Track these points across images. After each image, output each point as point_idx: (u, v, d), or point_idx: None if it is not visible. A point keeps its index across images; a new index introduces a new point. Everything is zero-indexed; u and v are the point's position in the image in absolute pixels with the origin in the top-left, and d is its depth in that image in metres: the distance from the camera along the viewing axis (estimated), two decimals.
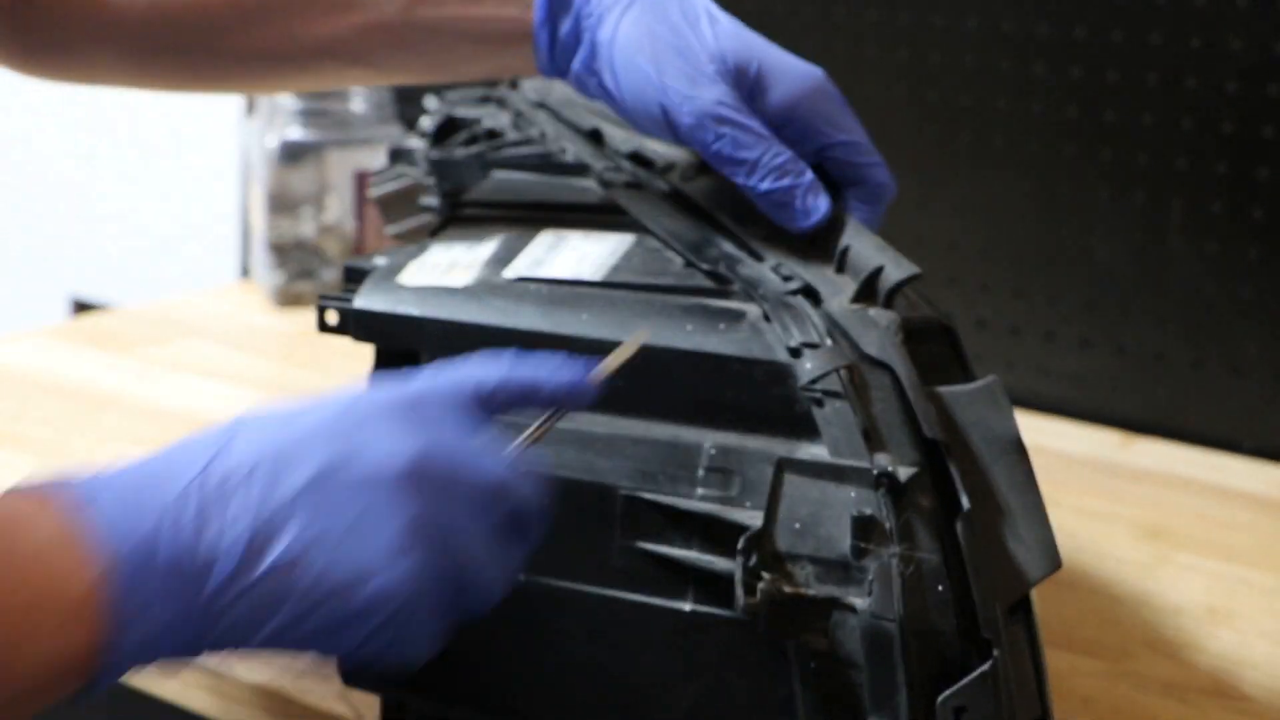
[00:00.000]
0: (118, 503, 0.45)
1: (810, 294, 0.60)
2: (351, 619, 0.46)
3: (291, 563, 0.45)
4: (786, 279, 0.61)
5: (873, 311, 0.59)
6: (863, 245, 0.62)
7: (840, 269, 0.62)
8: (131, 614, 0.44)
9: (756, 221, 0.65)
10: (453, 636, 0.50)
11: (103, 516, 0.44)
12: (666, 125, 0.65)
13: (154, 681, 0.78)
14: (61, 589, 0.43)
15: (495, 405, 0.52)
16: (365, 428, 0.48)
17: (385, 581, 0.46)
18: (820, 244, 0.64)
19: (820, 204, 0.63)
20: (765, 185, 0.63)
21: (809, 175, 0.64)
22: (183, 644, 0.45)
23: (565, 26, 0.68)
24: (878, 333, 0.58)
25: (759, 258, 0.63)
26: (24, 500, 0.45)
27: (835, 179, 0.66)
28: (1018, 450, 0.57)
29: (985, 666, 0.53)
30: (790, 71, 0.65)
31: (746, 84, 0.64)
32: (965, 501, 0.54)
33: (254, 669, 0.75)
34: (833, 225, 0.63)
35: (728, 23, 0.66)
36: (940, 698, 0.53)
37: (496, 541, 0.50)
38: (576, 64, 0.68)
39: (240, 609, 0.45)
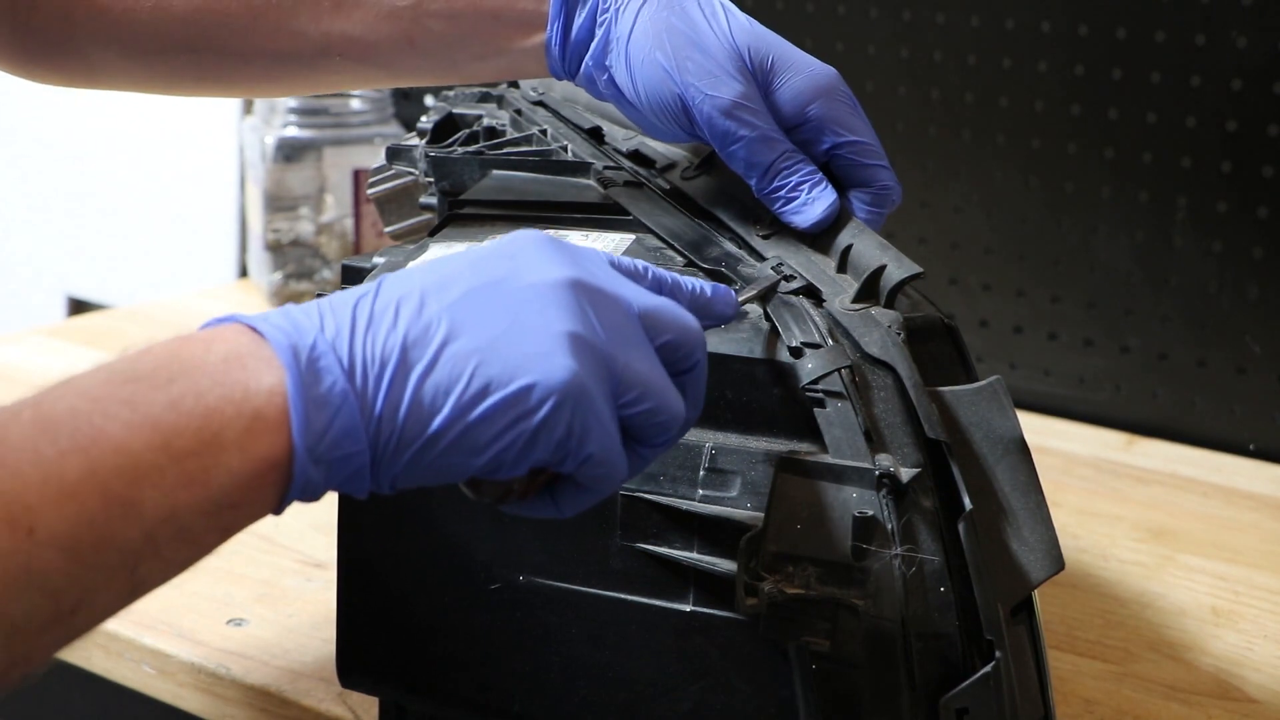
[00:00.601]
0: (286, 324, 0.46)
1: (811, 293, 0.60)
2: (510, 413, 0.47)
3: (454, 356, 0.46)
4: (788, 278, 0.61)
5: (874, 311, 0.59)
6: (865, 244, 0.61)
7: (842, 268, 0.62)
8: (307, 417, 0.45)
9: (758, 220, 0.65)
10: (636, 472, 0.51)
11: (274, 333, 0.46)
12: (684, 119, 0.65)
13: (152, 683, 0.78)
14: (247, 390, 0.44)
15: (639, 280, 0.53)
16: (521, 256, 0.49)
17: (540, 375, 0.47)
18: (822, 243, 0.63)
19: (826, 203, 0.63)
20: (774, 183, 0.64)
21: (817, 175, 0.64)
22: (359, 456, 0.46)
23: (580, 21, 0.67)
24: (879, 332, 0.57)
25: (760, 257, 0.63)
26: (214, 326, 0.47)
27: (842, 179, 0.66)
28: (1020, 451, 0.57)
29: (988, 668, 0.53)
30: (804, 69, 0.65)
31: (761, 80, 0.64)
32: (968, 502, 0.54)
33: (252, 670, 0.75)
34: (836, 224, 0.63)
35: (743, 18, 0.65)
36: (943, 699, 0.52)
37: (664, 365, 0.50)
38: (588, 60, 0.68)
39: (402, 412, 0.46)
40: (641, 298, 0.50)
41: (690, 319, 0.52)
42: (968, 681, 0.53)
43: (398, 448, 0.46)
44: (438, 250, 0.66)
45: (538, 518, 0.51)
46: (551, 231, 0.67)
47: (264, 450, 0.44)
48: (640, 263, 0.54)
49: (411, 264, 0.49)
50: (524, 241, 0.50)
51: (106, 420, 0.42)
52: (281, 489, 0.45)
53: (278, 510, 0.46)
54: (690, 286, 0.54)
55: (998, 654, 0.53)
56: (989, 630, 0.53)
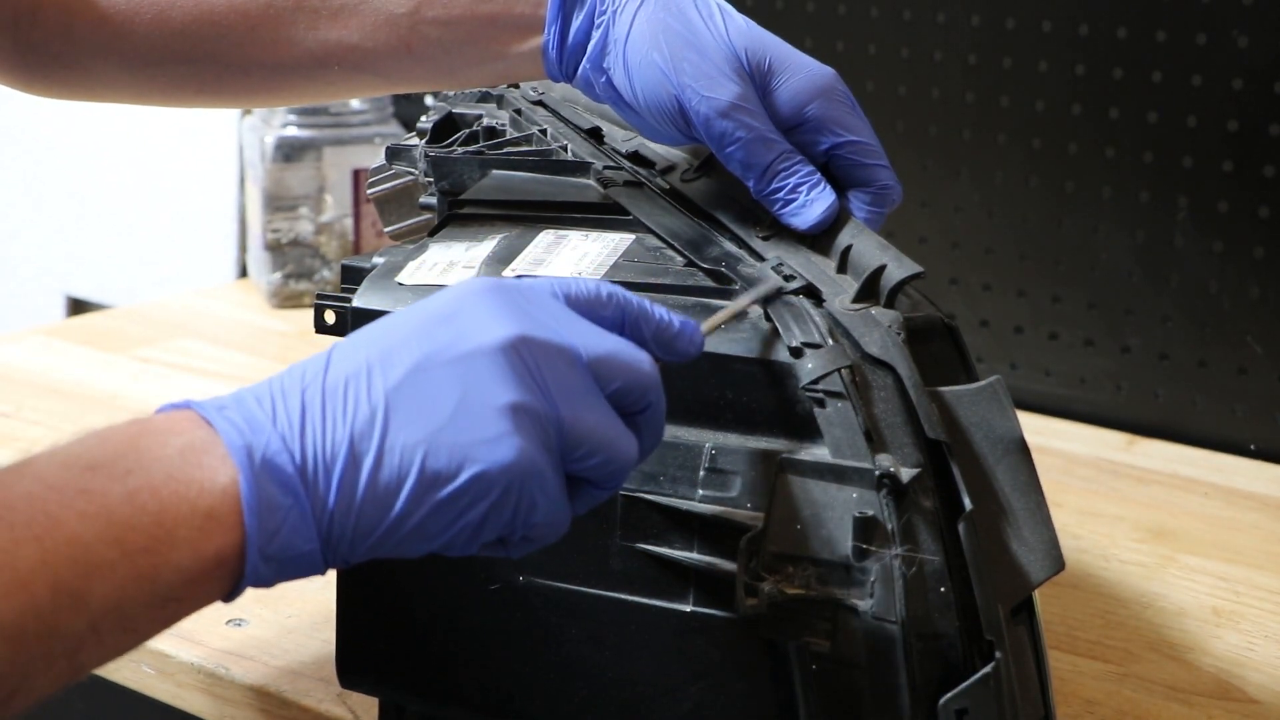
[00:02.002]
0: (239, 419, 0.47)
1: (811, 293, 0.60)
2: (460, 502, 0.47)
3: (401, 450, 0.47)
4: (788, 278, 0.61)
5: (875, 311, 0.58)
6: (865, 244, 0.61)
7: (842, 268, 0.61)
8: (260, 517, 0.45)
9: (758, 222, 0.65)
10: (584, 510, 0.51)
11: (228, 429, 0.46)
12: (681, 121, 0.65)
13: (152, 683, 0.77)
14: (201, 489, 0.45)
15: (596, 317, 0.52)
16: (463, 314, 0.49)
17: (486, 463, 0.47)
18: (822, 243, 0.63)
19: (825, 204, 0.63)
20: (772, 184, 0.63)
21: (816, 175, 0.64)
22: (310, 550, 0.47)
23: (577, 23, 0.67)
24: (880, 332, 0.57)
25: (760, 257, 0.63)
26: (170, 412, 0.48)
27: (841, 179, 0.66)
28: (1020, 451, 0.57)
29: (988, 668, 0.52)
30: (802, 70, 0.65)
31: (759, 81, 0.64)
32: (968, 502, 0.53)
33: (251, 670, 0.74)
34: (835, 225, 0.63)
35: (740, 19, 0.65)
36: (942, 700, 0.52)
37: (616, 412, 0.50)
38: (586, 62, 0.68)
39: (357, 506, 0.47)
40: (591, 343, 0.50)
41: (643, 361, 0.51)
42: (967, 682, 0.53)
43: (351, 541, 0.47)
44: (437, 250, 0.66)
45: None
46: (551, 232, 0.67)
47: (215, 549, 0.45)
48: (606, 288, 0.52)
49: (363, 330, 0.50)
50: (468, 297, 0.50)
51: (62, 509, 0.43)
52: (228, 584, 0.47)
53: (225, 600, 0.48)
54: (658, 317, 0.53)
55: (998, 654, 0.53)
56: (989, 631, 0.53)
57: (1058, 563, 0.56)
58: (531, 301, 0.50)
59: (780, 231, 0.64)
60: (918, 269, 0.60)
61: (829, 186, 0.64)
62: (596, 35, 0.67)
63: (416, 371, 0.48)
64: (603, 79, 0.67)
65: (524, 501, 0.48)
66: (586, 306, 0.52)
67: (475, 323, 0.49)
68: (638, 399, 0.51)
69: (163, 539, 0.44)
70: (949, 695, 0.53)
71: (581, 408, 0.49)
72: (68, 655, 0.43)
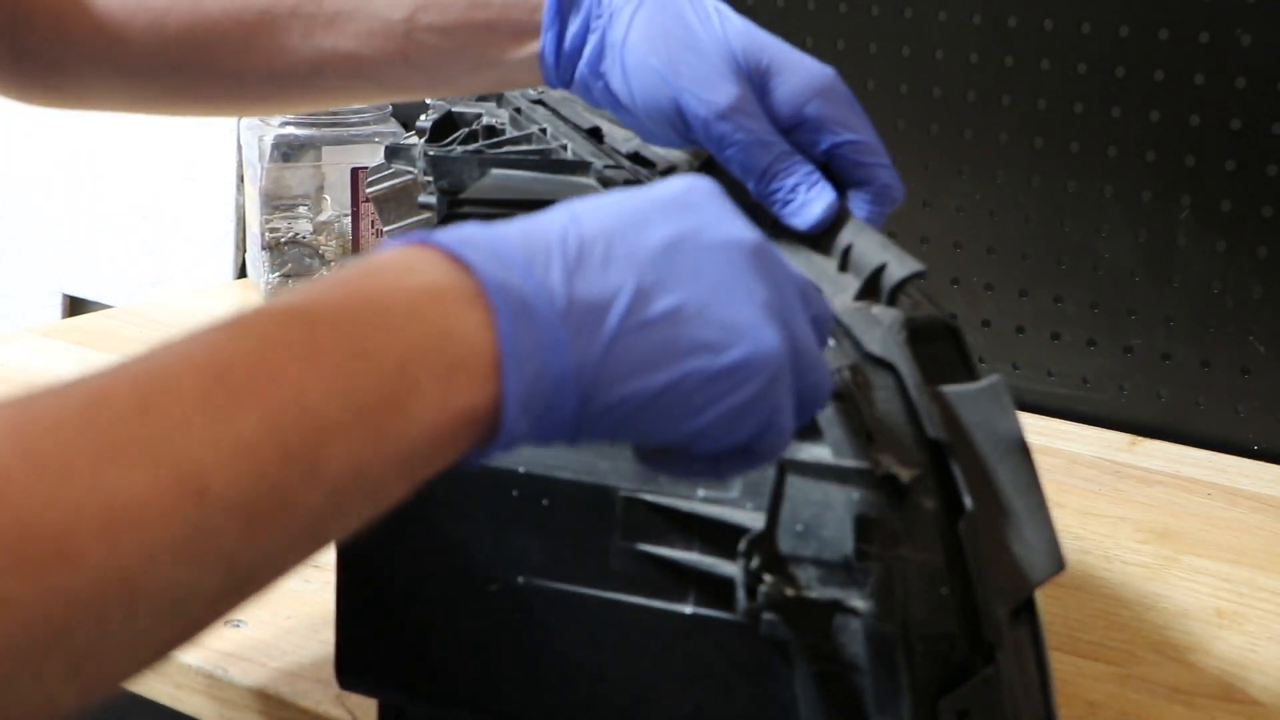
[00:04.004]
0: (490, 256, 0.42)
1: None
2: (726, 380, 0.44)
3: (672, 312, 0.43)
4: None
5: (876, 309, 0.58)
6: (866, 243, 0.61)
7: (843, 267, 0.61)
8: (520, 364, 0.41)
9: (759, 223, 0.65)
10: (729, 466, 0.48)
11: (480, 264, 0.41)
12: (679, 124, 0.64)
13: (150, 685, 0.77)
14: (448, 334, 0.40)
15: None
16: (705, 208, 0.47)
17: (756, 345, 0.45)
18: (823, 243, 0.63)
19: (824, 203, 0.63)
20: (771, 185, 0.63)
21: (815, 175, 0.64)
22: (570, 400, 0.42)
23: (574, 27, 0.67)
24: (880, 331, 0.57)
25: None
26: (409, 246, 0.42)
27: (842, 179, 0.66)
28: (1021, 451, 0.56)
29: (988, 669, 0.52)
30: (801, 70, 0.65)
31: (757, 82, 0.64)
32: (969, 502, 0.53)
33: (249, 672, 0.74)
34: (836, 224, 0.63)
35: (738, 21, 0.65)
36: (943, 701, 0.52)
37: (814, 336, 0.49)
38: (583, 67, 0.67)
39: (623, 364, 0.43)
40: (794, 269, 0.49)
41: (824, 299, 0.51)
42: (968, 683, 0.52)
43: (610, 405, 0.43)
44: None
45: (689, 479, 0.49)
46: None
47: (465, 401, 0.40)
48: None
49: (592, 198, 0.46)
50: (701, 191, 0.48)
51: (285, 368, 0.38)
52: (481, 439, 0.41)
53: (473, 462, 0.43)
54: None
55: (998, 655, 0.52)
56: (989, 631, 0.53)
57: (1059, 563, 0.55)
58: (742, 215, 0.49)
59: (782, 232, 0.64)
60: (919, 267, 0.59)
61: (828, 185, 0.63)
62: (593, 39, 0.67)
63: (675, 244, 0.45)
64: (600, 83, 0.67)
65: (781, 398, 0.46)
66: None
67: (719, 217, 0.47)
68: (823, 331, 0.50)
69: (403, 394, 0.39)
70: (949, 696, 0.52)
71: (803, 324, 0.47)
72: (308, 530, 0.38)
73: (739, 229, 0.47)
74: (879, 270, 0.60)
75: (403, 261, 0.41)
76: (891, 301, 0.59)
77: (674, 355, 0.44)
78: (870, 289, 0.59)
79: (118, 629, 0.35)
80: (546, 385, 0.42)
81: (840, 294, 0.59)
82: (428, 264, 0.41)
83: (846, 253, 0.61)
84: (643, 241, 0.44)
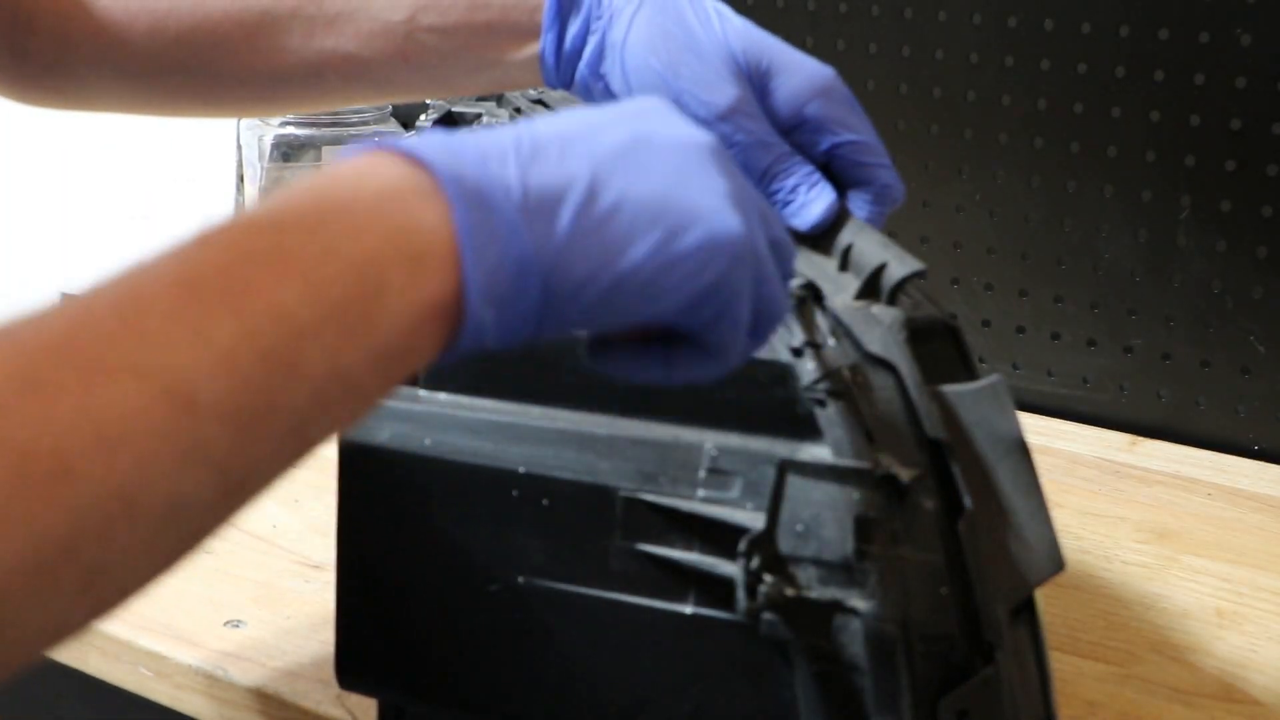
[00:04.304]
0: (446, 154, 0.43)
1: (812, 290, 0.59)
2: (688, 260, 0.45)
3: (631, 199, 0.44)
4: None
5: (876, 309, 0.58)
6: (866, 242, 0.61)
7: (843, 267, 0.61)
8: (478, 253, 0.42)
9: None
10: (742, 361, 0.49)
11: (435, 158, 0.42)
12: None
13: (150, 685, 0.77)
14: (408, 229, 0.41)
15: None
16: (660, 115, 0.48)
17: (717, 226, 0.45)
18: (824, 243, 0.63)
19: (824, 203, 0.63)
20: (771, 186, 0.63)
21: (815, 175, 0.64)
22: (531, 289, 0.43)
23: (574, 28, 0.67)
24: (881, 330, 0.57)
25: None
26: (367, 150, 0.43)
27: (842, 179, 0.66)
28: (1021, 450, 0.56)
29: (988, 669, 0.52)
30: (801, 70, 0.65)
31: (757, 83, 0.64)
32: (968, 502, 0.53)
33: (249, 672, 0.74)
34: (836, 224, 0.63)
35: (738, 22, 0.65)
36: (942, 701, 0.52)
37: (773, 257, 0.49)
38: (583, 68, 0.67)
39: (585, 248, 0.43)
40: (755, 191, 0.49)
41: (783, 228, 0.51)
42: (968, 683, 0.52)
43: (575, 289, 0.44)
44: None
45: (638, 379, 0.49)
46: None
47: (430, 293, 0.41)
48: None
49: (544, 115, 0.47)
50: (656, 104, 0.49)
51: (256, 275, 0.39)
52: (448, 333, 0.42)
53: (445, 357, 0.43)
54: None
55: (998, 654, 0.52)
56: (989, 631, 0.53)
57: (1058, 563, 0.55)
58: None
59: None
60: (919, 266, 0.59)
61: (828, 185, 0.63)
62: (593, 41, 0.67)
63: (632, 143, 0.46)
64: (600, 85, 0.67)
65: (742, 282, 0.46)
66: None
67: (675, 122, 0.48)
68: (785, 259, 0.50)
69: (372, 290, 0.40)
70: (949, 696, 0.52)
71: (762, 229, 0.48)
72: (294, 431, 0.39)
73: (697, 132, 0.48)
74: (879, 270, 0.60)
75: (362, 165, 0.43)
76: (891, 301, 0.59)
77: (634, 238, 0.44)
78: (870, 288, 0.59)
79: (122, 541, 0.36)
80: (507, 273, 0.42)
81: (840, 293, 0.59)
82: (386, 165, 0.42)
83: (847, 252, 0.61)
84: (599, 141, 0.45)
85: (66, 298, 0.38)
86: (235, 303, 0.38)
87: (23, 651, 0.35)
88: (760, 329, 0.49)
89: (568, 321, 0.45)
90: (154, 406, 0.36)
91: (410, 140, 0.44)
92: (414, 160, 0.43)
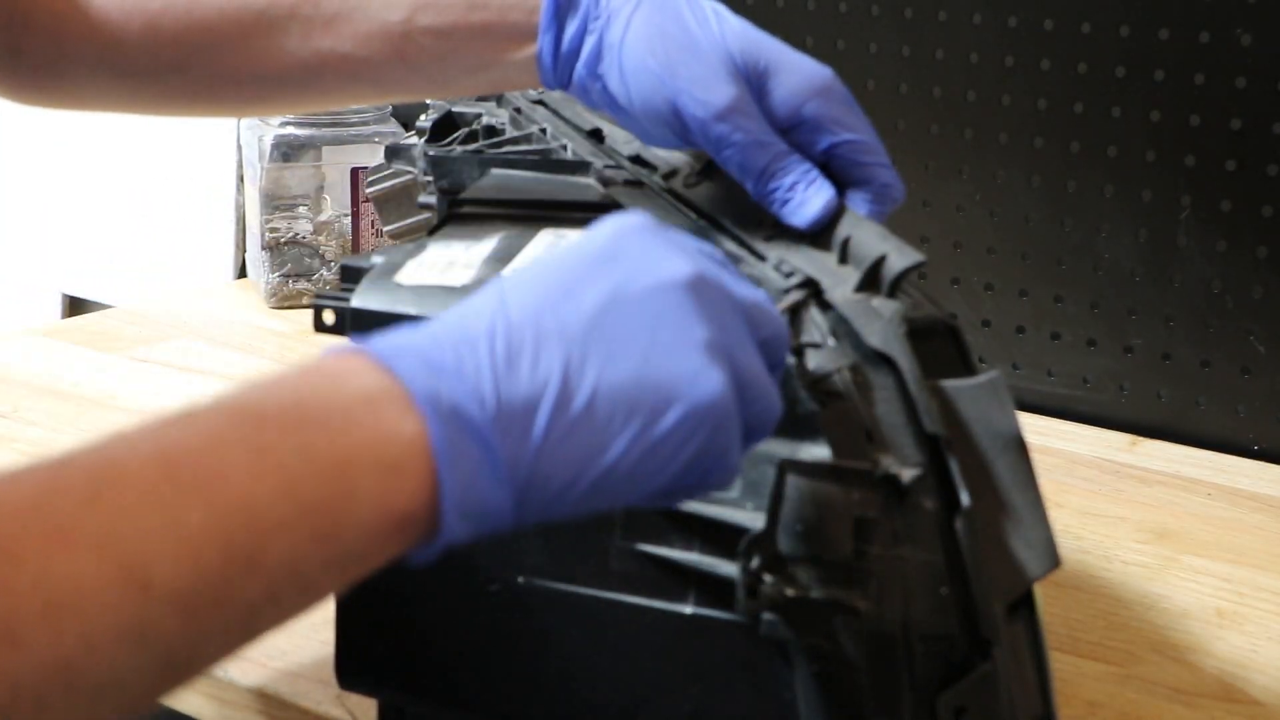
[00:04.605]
0: (421, 361, 0.43)
1: (811, 286, 0.59)
2: (668, 442, 0.45)
3: (604, 390, 0.44)
4: (788, 275, 0.60)
5: (876, 301, 0.58)
6: (864, 235, 0.61)
7: (843, 260, 0.61)
8: (455, 469, 0.42)
9: (761, 224, 0.65)
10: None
11: (411, 374, 0.43)
12: (677, 126, 0.64)
13: None
14: (384, 439, 0.41)
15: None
16: (634, 253, 0.47)
17: (695, 398, 0.45)
18: (823, 239, 0.63)
19: (823, 200, 0.63)
20: (770, 185, 0.63)
21: (813, 172, 0.64)
22: (505, 501, 0.43)
23: (572, 29, 0.67)
24: (880, 324, 0.57)
25: (761, 258, 0.63)
26: (345, 354, 0.44)
27: (841, 178, 0.66)
28: (1019, 446, 0.56)
29: (985, 666, 0.52)
30: (799, 70, 0.65)
31: (755, 83, 0.64)
32: (966, 498, 0.53)
33: (249, 672, 0.74)
34: (834, 220, 0.63)
35: (735, 22, 0.65)
36: (940, 698, 0.52)
37: (762, 362, 0.49)
38: (580, 68, 0.67)
39: (562, 453, 0.44)
40: (741, 290, 0.49)
41: (778, 315, 0.51)
42: (965, 679, 0.52)
43: (558, 491, 0.44)
44: (436, 250, 0.66)
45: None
46: (551, 231, 0.67)
47: (401, 505, 0.42)
48: (708, 245, 0.52)
49: (512, 265, 0.47)
50: (627, 235, 0.48)
51: (232, 467, 0.39)
52: (415, 541, 0.43)
53: (405, 561, 0.44)
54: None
55: (995, 651, 0.52)
56: (986, 628, 0.53)
57: (1054, 559, 0.55)
58: (686, 242, 0.49)
59: (783, 232, 0.64)
60: (919, 257, 0.59)
61: (827, 183, 0.63)
62: (591, 41, 0.67)
63: (607, 307, 0.45)
64: (598, 85, 0.67)
65: (728, 441, 0.46)
66: (710, 253, 0.51)
67: (648, 259, 0.47)
68: (777, 352, 0.50)
69: (342, 495, 0.41)
70: (947, 692, 0.52)
71: (749, 352, 0.48)
72: (243, 623, 0.40)
73: (671, 267, 0.47)
74: (879, 261, 0.59)
75: (341, 367, 0.43)
76: (892, 293, 0.59)
77: (611, 434, 0.44)
78: (870, 281, 0.59)
79: (56, 711, 0.36)
80: (481, 489, 0.43)
81: (840, 286, 0.59)
82: (363, 372, 0.43)
83: (846, 245, 0.61)
84: (571, 312, 0.45)
85: (38, 463, 0.38)
86: (207, 490, 0.39)
87: None
88: (754, 438, 0.49)
89: (550, 516, 0.45)
90: (109, 584, 0.36)
91: (388, 344, 0.44)
92: (388, 371, 0.43)
